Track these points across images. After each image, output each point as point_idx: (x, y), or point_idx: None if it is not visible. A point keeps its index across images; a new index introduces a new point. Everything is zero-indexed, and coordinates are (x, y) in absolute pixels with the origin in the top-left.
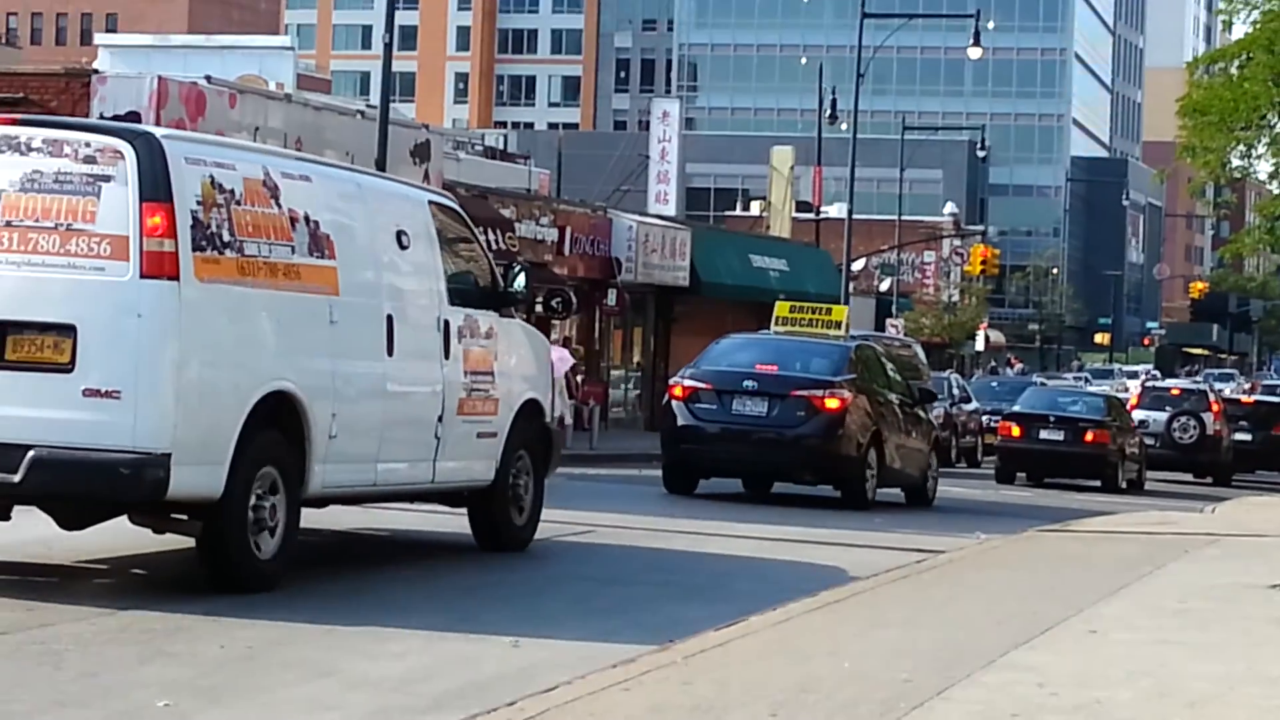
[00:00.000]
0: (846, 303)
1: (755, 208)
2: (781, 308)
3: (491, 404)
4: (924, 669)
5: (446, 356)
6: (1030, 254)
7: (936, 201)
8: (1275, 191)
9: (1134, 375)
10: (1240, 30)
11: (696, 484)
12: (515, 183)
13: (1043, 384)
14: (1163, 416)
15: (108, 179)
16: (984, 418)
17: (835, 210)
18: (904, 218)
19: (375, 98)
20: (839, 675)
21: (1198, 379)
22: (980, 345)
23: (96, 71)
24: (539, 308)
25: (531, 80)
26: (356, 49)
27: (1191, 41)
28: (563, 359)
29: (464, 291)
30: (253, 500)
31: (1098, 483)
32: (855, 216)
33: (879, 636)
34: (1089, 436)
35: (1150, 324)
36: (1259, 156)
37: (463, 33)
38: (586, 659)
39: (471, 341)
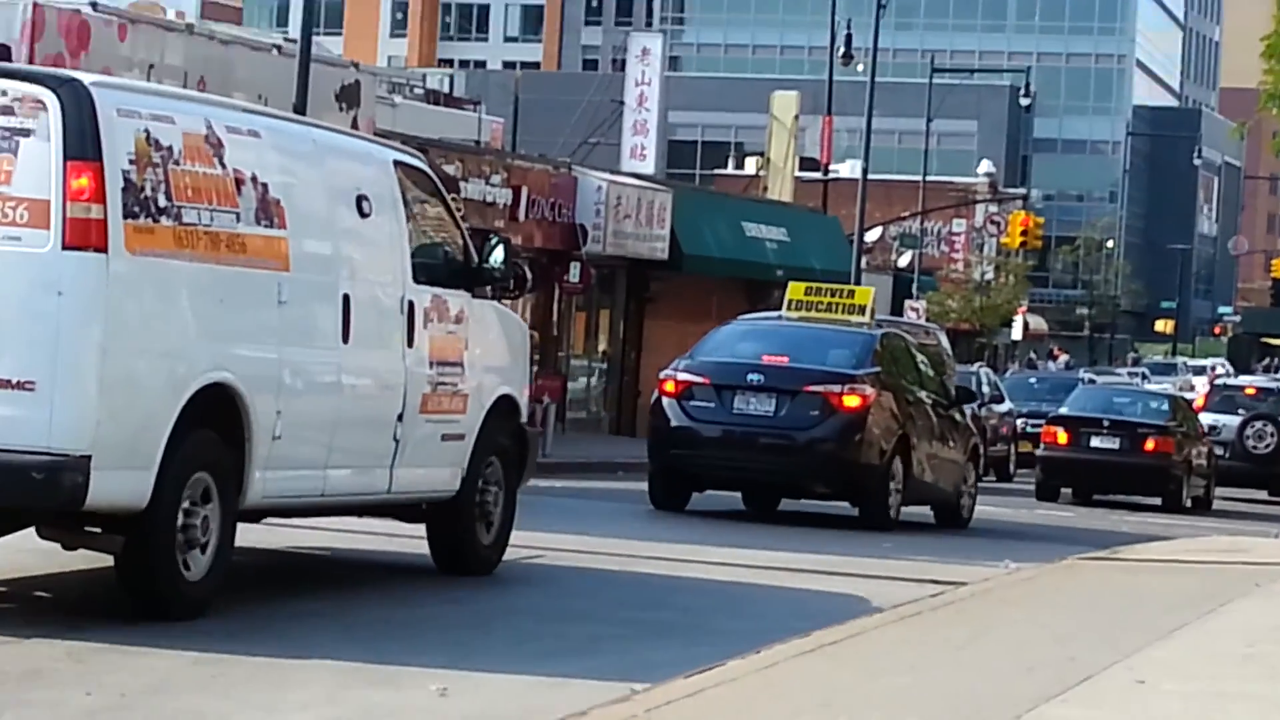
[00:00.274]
0: (858, 281)
1: (750, 165)
2: (795, 289)
3: (460, 400)
4: None
5: (410, 344)
6: (1081, 223)
7: (970, 159)
8: None
9: (1200, 371)
10: None
11: (688, 498)
12: (462, 133)
13: (1092, 381)
14: (1235, 421)
15: (26, 133)
16: (1019, 421)
17: (847, 169)
18: (930, 178)
19: (295, 30)
20: None
21: (1278, 376)
22: (1017, 333)
23: None
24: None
25: (485, 9)
26: None
27: None
28: None
29: (432, 267)
30: (183, 512)
31: (1157, 500)
32: (871, 176)
33: (882, 685)
34: (1149, 445)
35: (1223, 309)
36: None
37: None
38: (529, 711)
39: (439, 326)
